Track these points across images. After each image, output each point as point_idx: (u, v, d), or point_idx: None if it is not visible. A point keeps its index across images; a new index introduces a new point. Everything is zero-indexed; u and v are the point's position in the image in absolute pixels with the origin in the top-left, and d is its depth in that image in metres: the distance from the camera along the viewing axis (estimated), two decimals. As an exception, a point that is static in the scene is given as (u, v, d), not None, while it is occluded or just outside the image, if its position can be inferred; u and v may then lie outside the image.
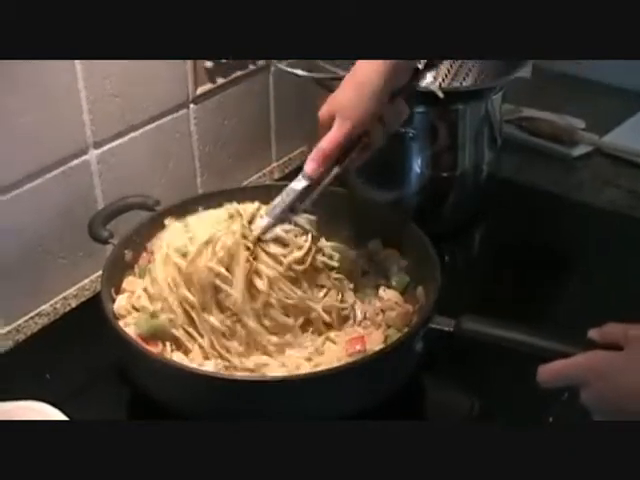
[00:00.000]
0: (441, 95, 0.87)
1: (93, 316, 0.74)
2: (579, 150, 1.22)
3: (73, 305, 0.91)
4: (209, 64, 0.98)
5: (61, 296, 0.91)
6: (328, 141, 0.74)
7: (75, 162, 0.86)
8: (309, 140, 0.91)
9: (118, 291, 0.79)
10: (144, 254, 0.82)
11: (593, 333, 0.64)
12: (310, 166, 0.75)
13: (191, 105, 0.99)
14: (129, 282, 0.80)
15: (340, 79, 0.77)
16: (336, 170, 0.76)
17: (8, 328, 0.86)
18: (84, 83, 0.83)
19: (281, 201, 0.76)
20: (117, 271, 0.79)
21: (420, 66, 0.79)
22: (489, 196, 1.07)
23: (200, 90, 0.99)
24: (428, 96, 0.89)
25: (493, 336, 0.69)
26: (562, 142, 1.24)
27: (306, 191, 0.76)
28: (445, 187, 1.02)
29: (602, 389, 0.61)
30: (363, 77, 0.74)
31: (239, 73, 1.05)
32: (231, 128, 1.06)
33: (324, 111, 0.75)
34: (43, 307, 0.89)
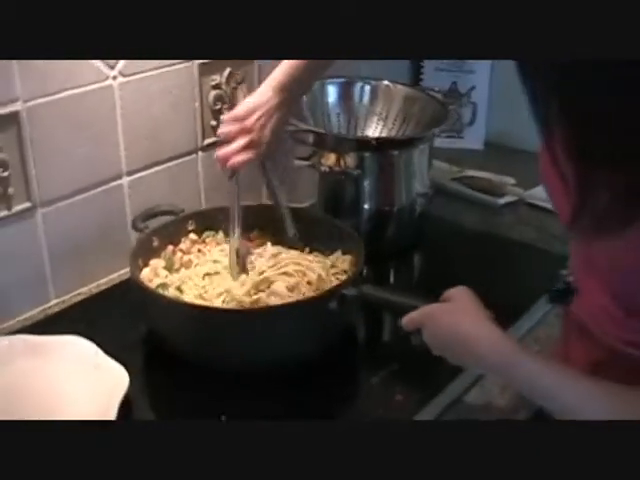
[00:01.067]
0: (374, 143, 1.22)
1: (118, 296, 1.09)
2: (505, 200, 1.55)
3: (103, 288, 1.25)
4: (214, 122, 1.35)
5: (95, 283, 1.25)
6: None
7: (113, 184, 1.22)
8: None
9: (146, 265, 1.11)
10: (170, 246, 1.14)
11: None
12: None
13: (199, 152, 1.35)
14: (154, 263, 1.11)
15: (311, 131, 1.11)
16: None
17: (56, 300, 1.20)
18: (122, 128, 1.20)
19: None
20: (145, 251, 1.11)
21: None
22: (424, 230, 1.40)
23: (206, 142, 1.36)
24: (368, 143, 1.24)
25: (382, 298, 1.01)
26: (493, 194, 1.57)
27: None
28: (386, 219, 1.33)
29: (431, 328, 0.87)
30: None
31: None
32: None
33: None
34: (82, 289, 1.23)
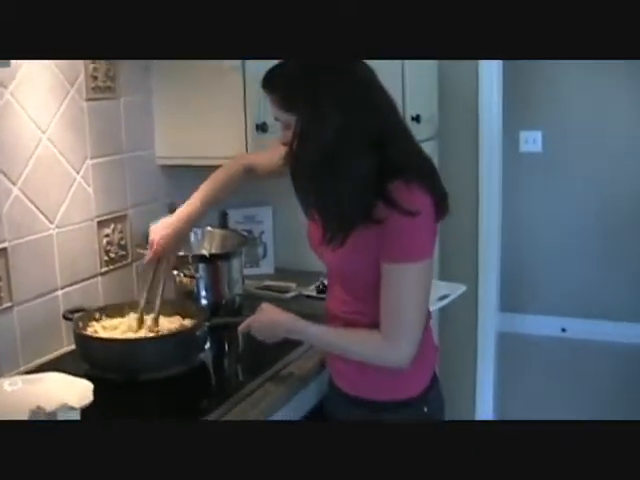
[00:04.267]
0: (207, 255, 2.12)
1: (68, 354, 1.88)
2: (290, 295, 2.47)
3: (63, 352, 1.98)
4: (106, 258, 2.18)
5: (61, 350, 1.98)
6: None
7: (50, 296, 2.00)
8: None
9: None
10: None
11: None
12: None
13: (99, 277, 2.16)
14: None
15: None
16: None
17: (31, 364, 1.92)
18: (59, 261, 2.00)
19: None
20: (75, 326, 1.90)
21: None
22: (242, 313, 2.27)
23: (104, 269, 2.17)
24: (204, 257, 2.14)
25: (225, 322, 1.87)
26: (281, 292, 2.49)
27: None
28: (219, 306, 2.21)
29: (255, 326, 1.72)
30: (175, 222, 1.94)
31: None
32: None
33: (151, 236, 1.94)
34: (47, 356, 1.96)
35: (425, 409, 1.66)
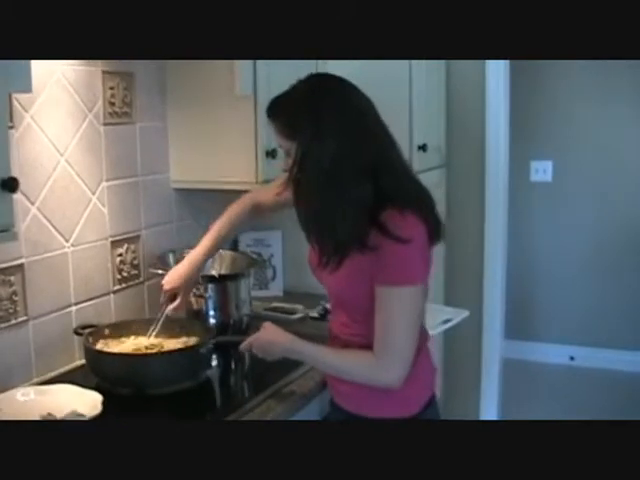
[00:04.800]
0: (217, 276, 2.19)
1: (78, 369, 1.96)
2: (297, 316, 2.54)
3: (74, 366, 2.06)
4: (119, 276, 2.26)
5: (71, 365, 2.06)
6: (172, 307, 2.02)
7: (64, 312, 2.08)
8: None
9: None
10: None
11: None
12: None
13: (112, 294, 2.24)
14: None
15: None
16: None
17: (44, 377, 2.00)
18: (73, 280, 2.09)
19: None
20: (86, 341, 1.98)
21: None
22: (251, 329, 2.34)
23: (116, 287, 2.25)
24: (213, 278, 2.22)
25: (228, 340, 1.94)
26: (288, 313, 2.56)
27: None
28: (227, 325, 2.28)
29: (256, 345, 1.78)
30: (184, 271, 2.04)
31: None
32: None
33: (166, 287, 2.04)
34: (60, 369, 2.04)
35: (421, 428, 1.71)
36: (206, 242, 2.04)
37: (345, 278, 1.63)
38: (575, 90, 4.35)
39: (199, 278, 2.11)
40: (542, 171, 4.54)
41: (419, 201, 1.60)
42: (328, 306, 1.88)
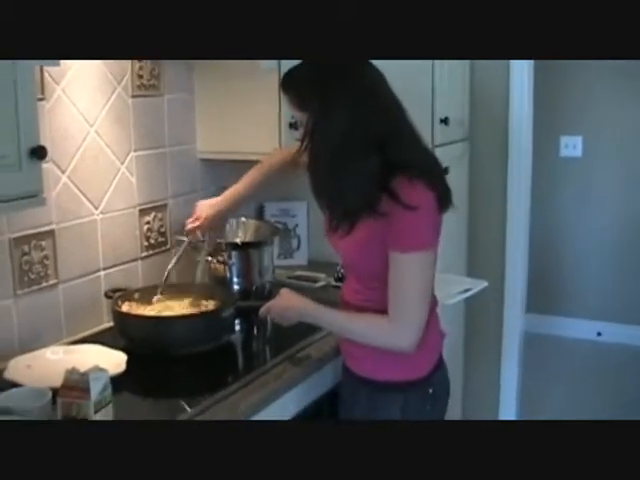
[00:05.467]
0: (240, 244, 2.27)
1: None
2: (319, 284, 2.60)
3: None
4: (146, 243, 2.34)
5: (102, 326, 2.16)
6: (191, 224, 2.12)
7: (93, 276, 2.17)
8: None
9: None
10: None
11: None
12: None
13: (140, 260, 2.33)
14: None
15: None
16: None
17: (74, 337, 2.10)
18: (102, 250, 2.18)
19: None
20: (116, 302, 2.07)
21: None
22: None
23: (144, 254, 2.34)
24: (236, 245, 2.29)
25: (248, 305, 2.02)
26: (312, 282, 2.62)
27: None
28: (250, 291, 2.36)
29: (274, 310, 1.86)
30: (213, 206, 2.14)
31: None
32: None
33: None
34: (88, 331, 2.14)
35: (430, 390, 1.77)
36: (241, 185, 2.16)
37: (357, 243, 1.69)
38: (607, 65, 4.31)
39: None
40: (572, 146, 4.52)
41: (428, 169, 1.65)
42: (343, 271, 1.94)
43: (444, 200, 1.66)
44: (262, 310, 1.90)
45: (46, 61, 1.66)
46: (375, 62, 1.67)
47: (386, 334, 1.67)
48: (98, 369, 1.47)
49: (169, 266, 2.15)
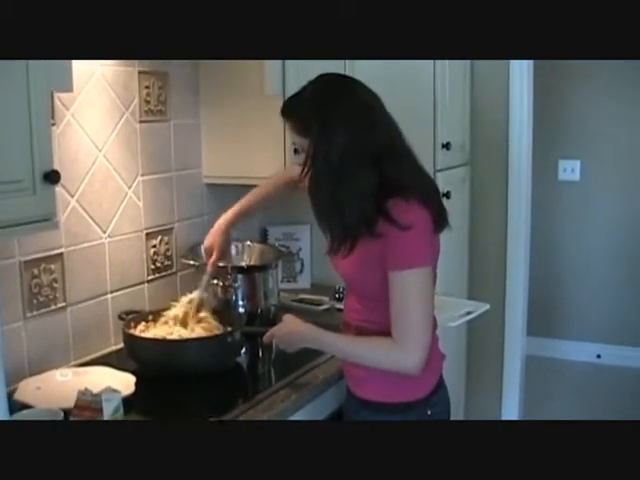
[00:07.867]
0: (245, 267, 2.29)
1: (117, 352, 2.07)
2: (322, 307, 2.63)
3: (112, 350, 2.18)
4: (152, 266, 2.37)
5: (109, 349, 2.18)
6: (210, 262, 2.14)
7: (101, 299, 2.20)
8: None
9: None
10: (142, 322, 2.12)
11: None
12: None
13: (146, 284, 2.36)
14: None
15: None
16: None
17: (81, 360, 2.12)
18: (110, 272, 2.21)
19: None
20: (127, 325, 2.09)
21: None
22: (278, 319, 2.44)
23: (149, 277, 2.37)
24: (242, 268, 2.32)
25: (252, 331, 2.04)
26: (314, 304, 2.65)
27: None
28: (255, 313, 2.38)
29: (278, 336, 1.87)
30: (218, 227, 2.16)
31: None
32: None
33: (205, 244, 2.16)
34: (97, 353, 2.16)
35: (429, 412, 1.78)
36: (245, 200, 2.20)
37: (356, 263, 1.72)
38: (604, 90, 4.38)
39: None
40: (570, 170, 4.57)
41: (423, 189, 1.69)
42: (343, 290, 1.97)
43: (439, 219, 1.69)
44: (266, 336, 1.91)
45: (58, 86, 1.66)
46: (377, 87, 1.73)
47: (392, 357, 1.69)
48: (111, 390, 1.49)
49: (196, 294, 2.16)
